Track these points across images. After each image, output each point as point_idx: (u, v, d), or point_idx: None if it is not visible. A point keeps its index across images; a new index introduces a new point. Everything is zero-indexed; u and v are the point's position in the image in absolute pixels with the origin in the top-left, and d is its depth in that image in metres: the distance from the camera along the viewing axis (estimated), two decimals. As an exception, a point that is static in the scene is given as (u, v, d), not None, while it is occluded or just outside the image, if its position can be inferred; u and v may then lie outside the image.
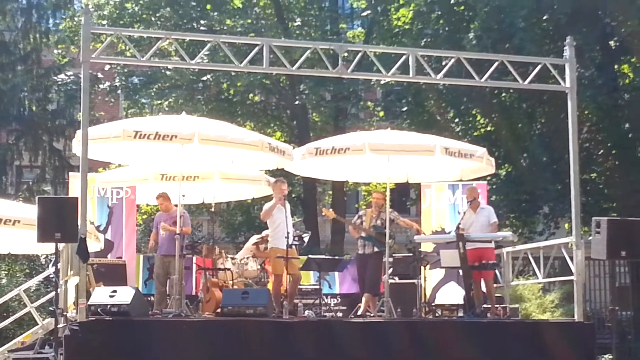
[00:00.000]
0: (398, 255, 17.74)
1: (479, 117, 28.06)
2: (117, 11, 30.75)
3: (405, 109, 29.95)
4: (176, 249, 15.52)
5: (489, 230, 15.98)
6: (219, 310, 14.97)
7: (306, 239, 17.04)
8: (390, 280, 16.69)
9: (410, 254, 17.66)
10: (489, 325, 15.05)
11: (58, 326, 13.56)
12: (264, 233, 17.19)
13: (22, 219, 15.65)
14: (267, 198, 17.83)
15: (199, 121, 16.91)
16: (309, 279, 19.01)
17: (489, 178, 19.25)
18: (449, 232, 17.52)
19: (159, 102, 31.10)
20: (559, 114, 21.60)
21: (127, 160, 17.50)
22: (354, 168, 17.97)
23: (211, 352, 13.48)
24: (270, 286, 16.00)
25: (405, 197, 32.46)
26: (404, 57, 15.59)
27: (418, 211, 23.19)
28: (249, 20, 30.37)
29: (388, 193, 17.11)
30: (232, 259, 17.13)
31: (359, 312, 16.38)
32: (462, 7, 26.78)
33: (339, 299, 19.63)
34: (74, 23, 31.07)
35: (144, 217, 31.92)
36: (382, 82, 27.91)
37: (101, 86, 31.94)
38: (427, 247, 18.27)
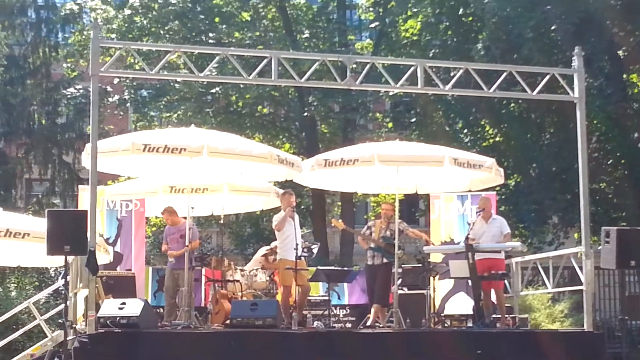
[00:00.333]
0: (407, 266, 17.73)
1: (487, 128, 28.08)
2: (126, 25, 30.83)
3: (413, 120, 30.04)
4: (185, 261, 15.54)
5: (501, 241, 15.94)
6: (228, 321, 14.96)
7: (315, 250, 17.04)
8: (400, 291, 16.69)
9: (420, 265, 17.64)
10: (498, 336, 15.03)
11: (67, 338, 13.57)
12: (272, 244, 17.19)
13: (31, 232, 15.66)
14: (276, 210, 17.83)
15: (207, 134, 16.95)
16: (318, 290, 18.99)
17: (498, 188, 19.24)
18: (458, 243, 17.51)
19: (168, 114, 31.15)
20: (568, 123, 21.62)
21: (136, 173, 17.54)
22: (363, 179, 17.97)
23: (220, 363, 13.50)
24: (279, 297, 16.00)
25: (414, 207, 32.48)
26: (412, 68, 15.61)
27: (427, 222, 23.17)
28: (257, 33, 30.45)
29: (397, 204, 17.10)
30: (241, 270, 17.12)
31: (368, 323, 16.35)
32: (470, 18, 26.85)
33: (348, 310, 19.59)
34: (83, 37, 31.15)
35: (153, 229, 31.95)
36: (390, 93, 27.97)
37: (110, 99, 32.03)
38: (436, 257, 18.24)
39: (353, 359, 13.89)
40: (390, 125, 32.54)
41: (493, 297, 16.08)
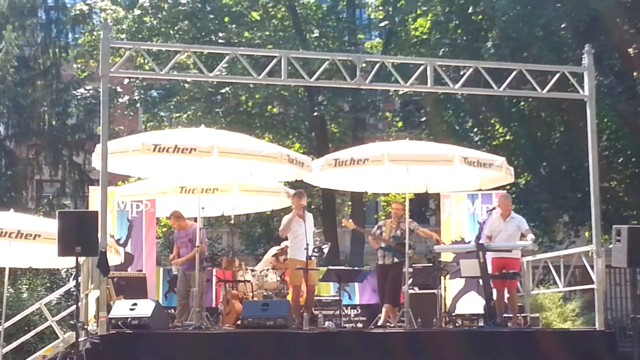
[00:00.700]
0: (418, 266, 17.72)
1: (497, 127, 28.05)
2: (136, 25, 30.86)
3: (423, 119, 30.00)
4: (196, 263, 15.56)
5: (519, 239, 15.87)
6: (239, 322, 14.97)
7: (326, 250, 17.03)
8: (410, 291, 16.70)
9: (430, 264, 17.65)
10: (509, 335, 15.01)
11: (79, 340, 13.61)
12: (283, 244, 17.19)
13: (42, 234, 15.71)
14: (287, 210, 17.84)
15: (217, 134, 16.96)
16: (329, 290, 19.00)
17: (508, 187, 19.22)
18: (469, 242, 17.50)
19: (178, 115, 31.17)
20: (578, 122, 21.54)
21: (146, 173, 17.57)
22: (373, 179, 17.96)
23: (232, 364, 13.51)
24: (290, 297, 16.00)
25: (425, 207, 32.45)
26: (421, 67, 15.60)
27: (437, 221, 23.17)
28: (267, 33, 30.43)
29: (407, 203, 17.10)
30: (252, 270, 17.12)
31: (379, 323, 16.35)
32: (480, 17, 26.81)
33: (359, 310, 19.59)
34: (93, 37, 31.16)
35: (164, 230, 31.96)
36: (400, 92, 27.95)
37: (120, 100, 32.03)
38: (446, 257, 18.23)
39: (364, 359, 13.87)
40: (400, 124, 32.51)
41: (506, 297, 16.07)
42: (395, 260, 16.54)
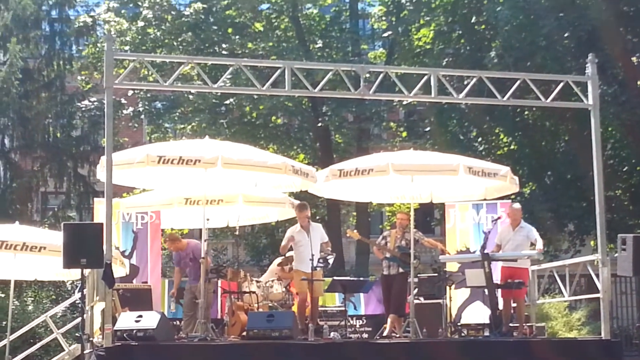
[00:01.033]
0: (423, 276, 17.71)
1: (502, 136, 28.06)
2: (140, 37, 30.91)
3: (427, 129, 30.00)
4: (201, 274, 15.55)
5: (529, 249, 15.85)
6: (244, 333, 14.96)
7: (331, 261, 17.03)
8: (416, 301, 16.68)
9: (436, 274, 17.64)
10: (515, 345, 14.98)
11: (84, 352, 13.61)
12: (287, 254, 17.19)
13: (47, 246, 15.72)
14: (291, 220, 17.85)
15: (222, 145, 16.95)
16: (334, 301, 19.00)
17: (513, 196, 19.22)
18: (474, 252, 17.48)
19: (182, 126, 31.21)
20: (583, 131, 21.55)
21: (151, 185, 17.56)
22: (378, 189, 17.95)
23: (237, 375, 13.50)
24: (295, 308, 15.99)
25: (430, 217, 32.45)
26: (425, 77, 15.60)
27: (442, 231, 23.14)
28: (271, 43, 30.47)
29: (412, 213, 17.09)
30: (257, 281, 17.12)
31: (385, 333, 16.33)
32: (483, 27, 26.86)
33: (365, 320, 19.59)
34: (97, 49, 31.24)
35: (169, 241, 31.94)
36: (404, 102, 27.93)
37: (124, 111, 32.04)
38: (452, 266, 18.22)
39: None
40: (404, 134, 32.53)
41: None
42: (401, 270, 16.52)
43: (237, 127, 30.84)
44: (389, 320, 16.45)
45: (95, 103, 31.45)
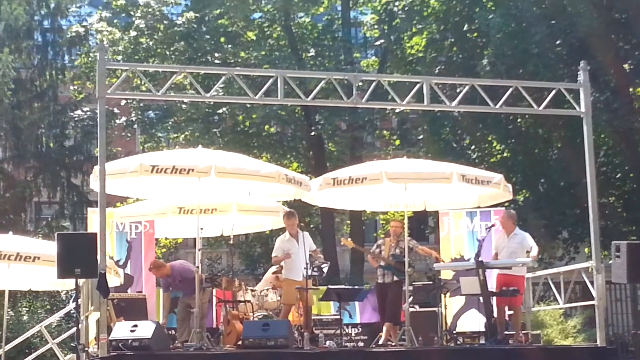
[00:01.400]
0: (418, 284, 17.71)
1: (495, 144, 28.08)
2: (132, 46, 30.92)
3: (421, 137, 30.02)
4: (196, 283, 15.52)
5: (524, 256, 15.85)
6: (239, 342, 14.95)
7: (325, 270, 17.02)
8: (411, 309, 16.67)
9: (430, 282, 17.65)
10: (511, 352, 14.97)
11: (80, 362, 13.58)
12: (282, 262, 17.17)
13: (42, 256, 15.69)
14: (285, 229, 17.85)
15: (215, 154, 16.96)
16: (329, 310, 18.97)
17: (506, 204, 19.25)
18: (468, 260, 17.49)
19: (175, 135, 31.22)
20: (576, 138, 21.61)
21: (144, 194, 17.55)
22: (372, 197, 17.95)
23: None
24: (290, 317, 15.97)
25: (424, 225, 32.46)
26: (418, 85, 15.62)
27: (437, 239, 23.16)
28: (263, 52, 30.50)
29: (406, 221, 17.10)
30: (252, 290, 17.11)
31: (380, 342, 16.32)
32: (475, 34, 26.90)
33: (360, 329, 19.54)
34: (90, 59, 31.23)
35: (163, 250, 31.96)
36: (397, 110, 27.95)
37: (117, 121, 32.04)
38: (446, 274, 18.22)
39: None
40: (397, 142, 32.56)
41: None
42: (395, 278, 16.52)
43: (230, 136, 30.86)
44: (384, 328, 16.44)
45: (88, 113, 31.42)
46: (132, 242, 18.59)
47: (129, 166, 14.91)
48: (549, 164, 27.41)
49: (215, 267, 32.33)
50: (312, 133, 30.66)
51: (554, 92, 16.36)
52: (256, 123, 30.66)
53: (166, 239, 29.73)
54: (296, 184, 15.71)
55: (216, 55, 30.51)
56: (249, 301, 16.67)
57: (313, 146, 32.02)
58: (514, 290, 15.76)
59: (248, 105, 28.49)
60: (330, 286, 17.62)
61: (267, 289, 17.01)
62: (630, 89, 26.08)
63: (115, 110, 31.76)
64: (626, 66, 25.71)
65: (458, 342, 16.93)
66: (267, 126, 32.02)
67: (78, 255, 13.19)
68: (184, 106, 30.24)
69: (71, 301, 17.85)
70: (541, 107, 16.33)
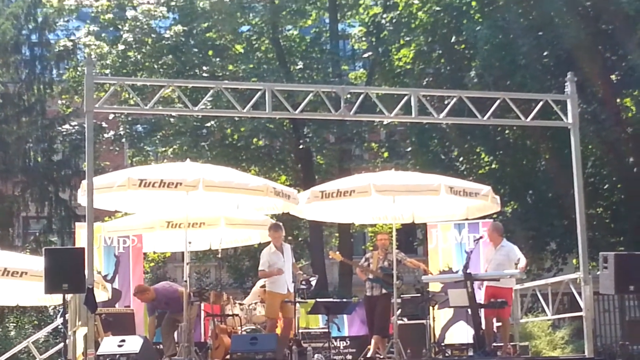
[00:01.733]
0: (406, 296, 17.69)
1: (483, 155, 28.10)
2: (120, 60, 30.89)
3: (409, 149, 30.02)
4: (184, 297, 15.49)
5: (511, 268, 15.85)
6: (228, 356, 14.93)
7: (314, 283, 17.00)
8: (399, 321, 16.66)
9: (419, 295, 17.60)
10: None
11: (67, 377, 13.54)
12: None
13: (29, 271, 15.63)
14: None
15: (203, 168, 16.95)
16: (317, 323, 18.95)
17: (495, 216, 19.26)
18: (457, 272, 17.48)
19: (164, 149, 31.15)
20: (563, 149, 21.62)
21: (132, 208, 17.51)
22: (360, 210, 17.95)
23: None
24: (279, 331, 15.94)
25: (412, 237, 32.43)
26: (406, 98, 15.65)
27: (425, 251, 23.17)
28: (251, 65, 30.47)
29: (394, 234, 17.10)
30: (240, 304, 17.09)
31: (369, 355, 16.32)
32: (463, 46, 26.94)
33: (348, 342, 19.54)
34: (78, 73, 31.16)
35: (151, 265, 31.88)
36: (385, 123, 27.98)
37: (105, 135, 31.96)
38: (435, 287, 18.19)
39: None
40: (385, 154, 32.54)
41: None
42: (384, 291, 16.52)
43: (219, 149, 30.83)
44: (372, 341, 16.44)
45: (76, 127, 31.40)
46: (120, 256, 18.57)
47: (116, 180, 14.89)
48: (537, 175, 27.45)
49: (203, 281, 32.29)
50: (301, 146, 30.66)
51: (541, 103, 16.39)
52: (244, 136, 30.63)
53: (154, 253, 29.60)
54: (284, 197, 15.72)
55: (204, 68, 30.50)
56: (237, 315, 16.65)
57: (301, 159, 32.00)
58: (502, 302, 15.77)
59: (236, 119, 28.49)
60: (318, 299, 17.60)
61: (256, 303, 16.99)
62: (618, 100, 26.14)
63: (104, 124, 31.72)
64: (613, 77, 25.78)
65: (446, 355, 16.95)
66: (255, 139, 31.98)
67: (66, 270, 13.15)
68: (172, 120, 30.22)
69: (59, 316, 17.85)
70: (529, 119, 16.37)
